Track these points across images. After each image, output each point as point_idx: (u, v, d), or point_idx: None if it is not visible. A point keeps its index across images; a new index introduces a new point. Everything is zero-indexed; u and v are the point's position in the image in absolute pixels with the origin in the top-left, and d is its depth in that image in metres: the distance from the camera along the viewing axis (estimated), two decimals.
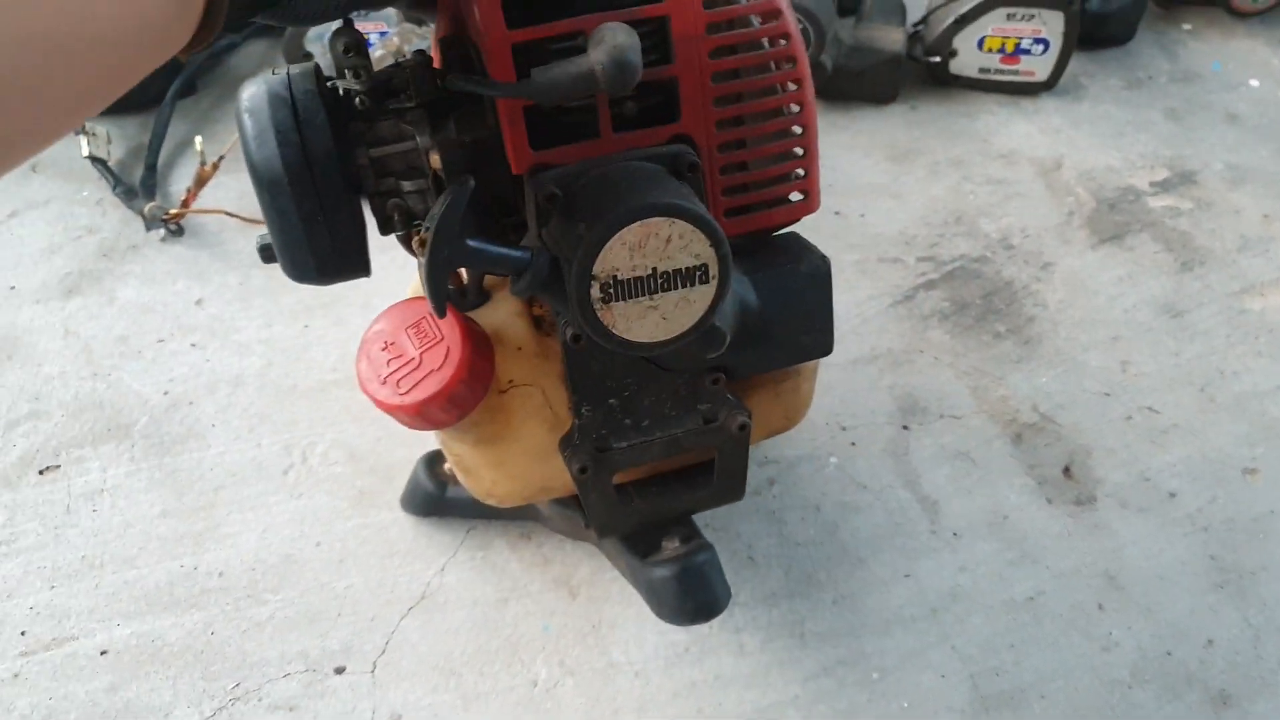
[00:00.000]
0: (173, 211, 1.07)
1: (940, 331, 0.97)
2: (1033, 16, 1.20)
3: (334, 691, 0.70)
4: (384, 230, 0.53)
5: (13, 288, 1.03)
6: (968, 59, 1.25)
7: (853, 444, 0.86)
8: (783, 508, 0.81)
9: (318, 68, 0.49)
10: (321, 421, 0.88)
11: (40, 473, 0.85)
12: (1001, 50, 1.24)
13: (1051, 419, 0.89)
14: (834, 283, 0.55)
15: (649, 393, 0.55)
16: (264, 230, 0.51)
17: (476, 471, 0.60)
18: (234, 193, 1.11)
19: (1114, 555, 0.79)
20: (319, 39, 1.19)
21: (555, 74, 0.41)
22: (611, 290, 0.43)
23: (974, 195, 1.13)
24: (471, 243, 0.43)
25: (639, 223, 0.41)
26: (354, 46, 0.48)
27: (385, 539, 0.79)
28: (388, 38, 1.09)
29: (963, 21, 1.22)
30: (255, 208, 1.08)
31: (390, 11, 1.17)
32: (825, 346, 0.56)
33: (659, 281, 0.43)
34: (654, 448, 0.56)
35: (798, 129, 0.51)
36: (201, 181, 1.06)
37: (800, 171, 0.52)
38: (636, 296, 0.43)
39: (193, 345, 0.96)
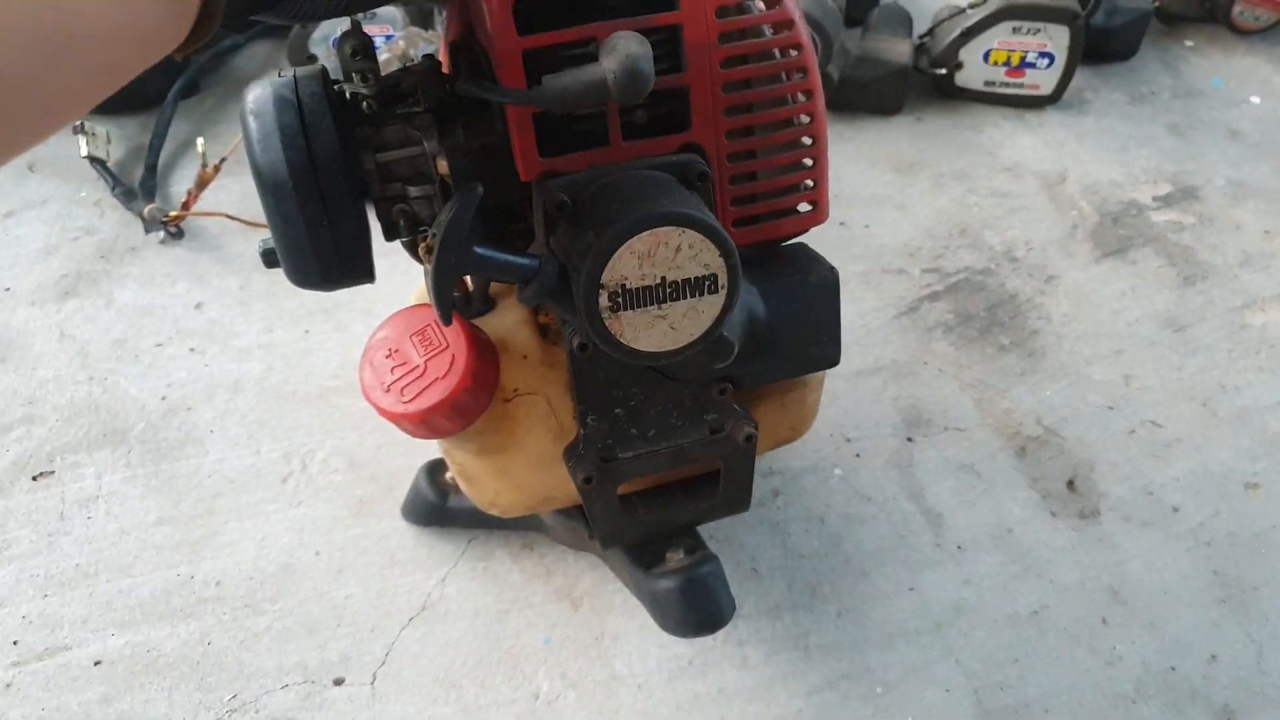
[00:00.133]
0: (173, 213, 1.06)
1: (944, 343, 0.96)
2: (1038, 31, 1.20)
3: (333, 703, 0.69)
4: (389, 236, 0.52)
5: (8, 289, 1.02)
6: (973, 72, 1.25)
7: (857, 455, 0.86)
8: (787, 519, 0.81)
9: (324, 70, 0.48)
10: (321, 429, 0.87)
11: (34, 478, 0.84)
12: (1007, 63, 1.24)
13: (1055, 432, 0.88)
14: (840, 308, 0.54)
15: (655, 402, 0.54)
16: (266, 234, 0.50)
17: (479, 481, 0.59)
18: (235, 195, 1.10)
19: (1117, 569, 0.78)
20: (324, 41, 1.19)
21: (566, 82, 0.40)
22: (620, 299, 0.42)
23: (978, 208, 1.13)
24: (479, 250, 0.42)
25: (648, 231, 0.41)
26: (362, 50, 0.47)
27: (385, 548, 0.78)
28: (393, 41, 1.09)
29: (969, 34, 1.22)
30: (257, 211, 1.07)
31: (396, 15, 1.16)
32: (833, 358, 0.56)
33: (668, 291, 0.43)
34: (660, 458, 0.56)
35: (808, 139, 0.51)
36: (203, 183, 1.05)
37: (809, 182, 0.52)
38: (645, 305, 0.43)
39: (191, 350, 0.95)
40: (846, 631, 0.74)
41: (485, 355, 0.53)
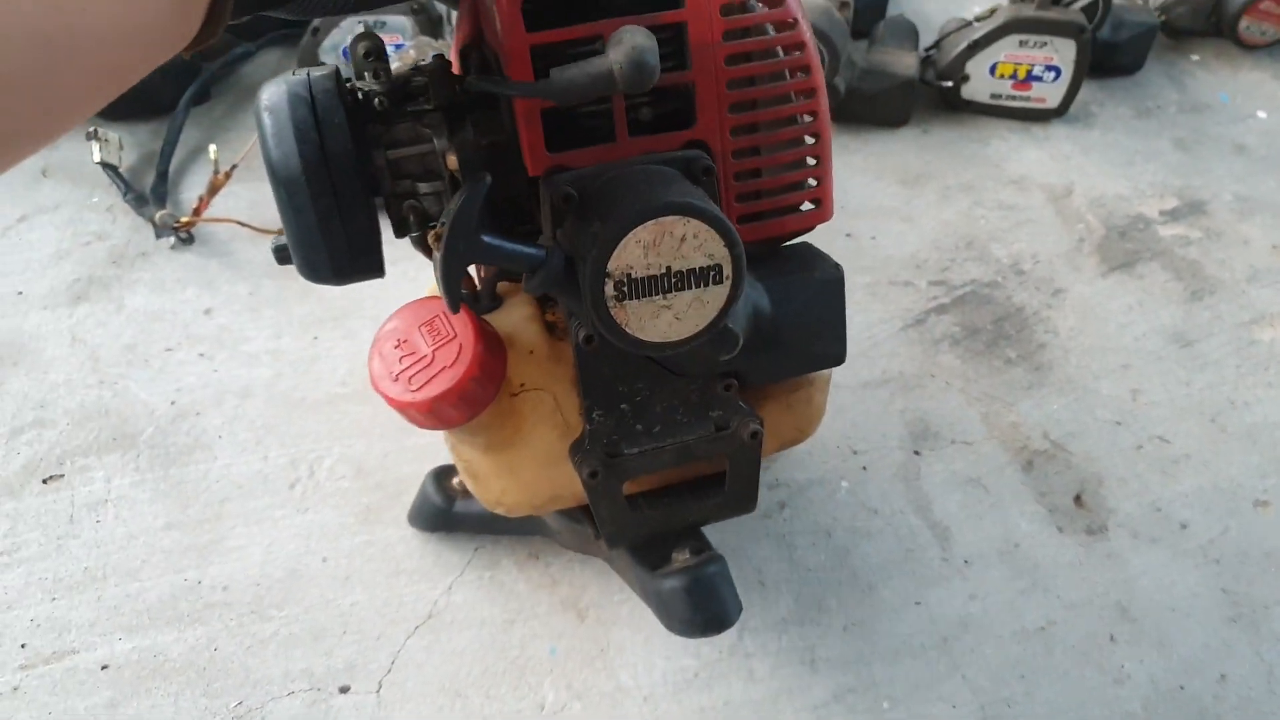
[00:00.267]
0: (184, 219, 1.06)
1: (951, 356, 0.96)
2: (1045, 44, 1.20)
3: (338, 711, 0.69)
4: (399, 232, 0.53)
5: (20, 293, 1.02)
6: (980, 84, 1.26)
7: (864, 468, 0.86)
8: (793, 532, 0.81)
9: (338, 71, 0.49)
10: (329, 435, 0.88)
11: (44, 481, 0.84)
12: (1013, 76, 1.24)
13: (1063, 447, 0.88)
14: (845, 305, 0.54)
15: (661, 398, 0.54)
16: (276, 236, 0.51)
17: (485, 478, 0.59)
18: (245, 202, 1.10)
19: (1126, 586, 0.78)
20: (334, 50, 1.19)
21: (573, 74, 0.41)
22: (625, 288, 0.43)
23: (985, 220, 1.13)
24: (487, 238, 0.43)
25: (654, 221, 0.42)
26: (374, 52, 0.48)
27: (392, 556, 0.79)
28: (404, 50, 1.10)
29: (975, 47, 1.22)
30: (266, 218, 1.08)
31: (406, 24, 1.17)
32: (838, 355, 0.56)
33: (673, 281, 0.43)
34: (665, 454, 0.56)
35: (811, 137, 0.52)
36: (214, 189, 1.06)
37: (813, 180, 0.53)
38: (650, 295, 0.44)
39: (201, 355, 0.95)
40: (853, 645, 0.74)
41: (493, 347, 0.53)
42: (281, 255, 0.52)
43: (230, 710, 0.69)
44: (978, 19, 1.25)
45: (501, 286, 0.58)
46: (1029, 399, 0.93)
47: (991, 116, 1.29)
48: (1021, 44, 1.21)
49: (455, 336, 0.52)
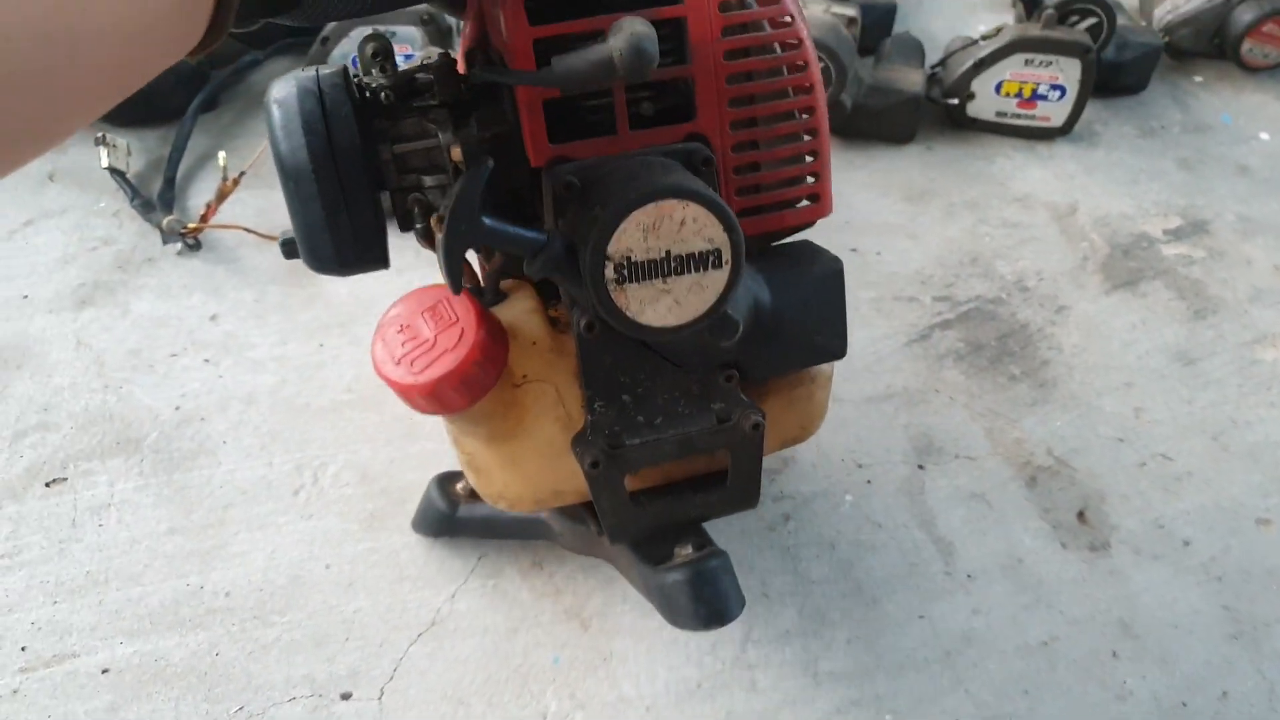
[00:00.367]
0: (191, 225, 1.07)
1: (955, 372, 0.97)
2: (1050, 63, 1.21)
3: (340, 718, 0.69)
4: (404, 226, 0.54)
5: (25, 297, 1.03)
6: (985, 102, 1.26)
7: (868, 482, 0.86)
8: (798, 544, 0.81)
9: (346, 69, 0.51)
10: (334, 442, 0.88)
11: (47, 485, 0.84)
12: (1019, 95, 1.25)
13: (1066, 463, 0.89)
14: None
15: (662, 390, 0.55)
16: (284, 232, 0.52)
17: (488, 471, 0.59)
18: (253, 209, 1.11)
19: (1128, 602, 0.78)
20: (343, 59, 1.20)
21: (573, 61, 0.42)
22: (625, 271, 0.44)
23: (990, 237, 1.14)
24: (488, 221, 0.44)
25: (653, 204, 0.43)
26: (382, 52, 0.50)
27: (396, 563, 0.78)
28: (412, 60, 1.10)
29: (981, 65, 1.23)
30: (274, 224, 1.08)
31: (415, 35, 1.18)
32: (839, 348, 0.57)
33: (672, 265, 0.44)
34: (667, 446, 0.56)
35: (809, 133, 0.53)
36: (222, 196, 1.06)
37: (812, 176, 0.54)
38: (650, 279, 0.44)
39: (206, 361, 0.96)
40: (856, 658, 0.74)
41: (495, 332, 0.53)
42: (289, 249, 0.53)
43: (231, 716, 0.69)
44: (984, 37, 1.26)
45: (505, 285, 0.59)
46: (1033, 415, 0.93)
47: (996, 134, 1.30)
48: (1027, 63, 1.22)
49: (458, 321, 0.52)
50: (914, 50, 1.32)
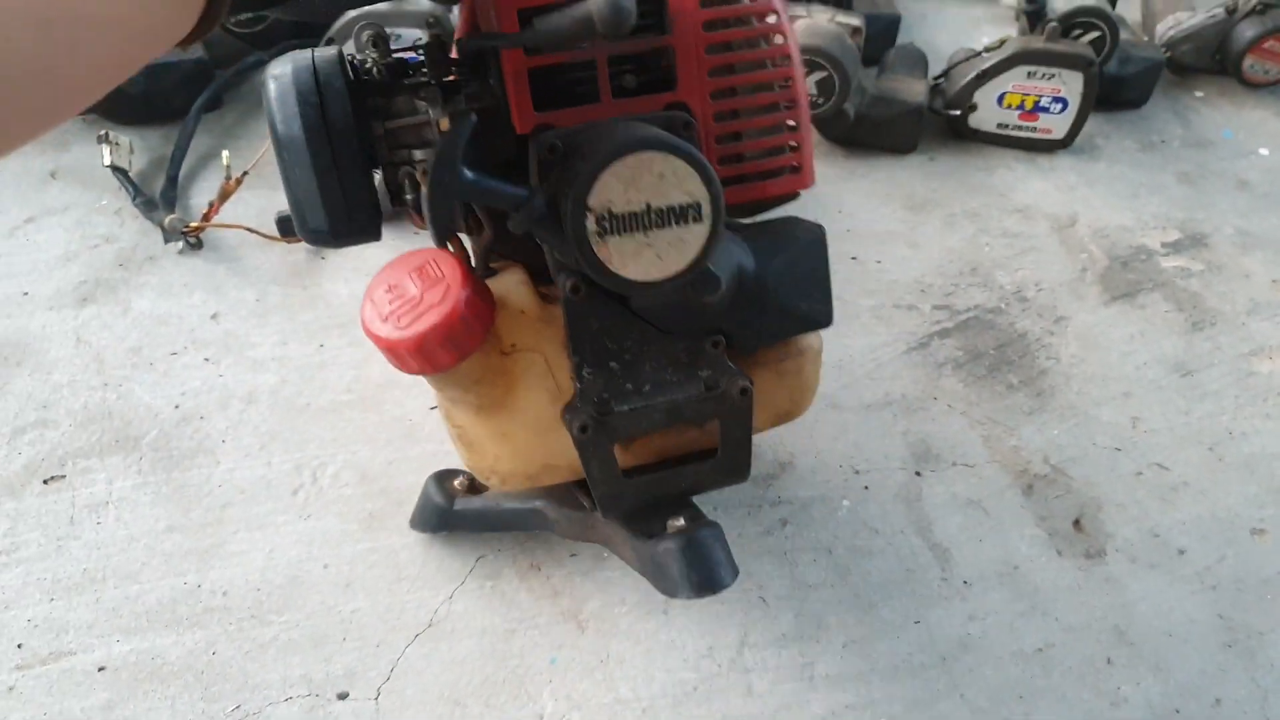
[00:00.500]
0: (193, 224, 1.07)
1: (954, 380, 0.97)
2: (1053, 76, 1.22)
3: (337, 718, 0.69)
4: (395, 200, 0.55)
5: (26, 294, 1.03)
6: (987, 114, 1.27)
7: (865, 488, 0.86)
8: (795, 549, 0.81)
9: (341, 51, 0.53)
10: (333, 442, 0.88)
11: (45, 482, 0.84)
12: (1021, 107, 1.26)
13: (1063, 471, 0.89)
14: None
15: (649, 356, 0.55)
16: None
17: (480, 444, 0.59)
18: (255, 209, 1.11)
19: (1123, 610, 0.78)
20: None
21: (555, 20, 0.43)
22: (606, 223, 0.45)
23: (990, 247, 1.15)
24: (470, 174, 0.45)
25: (632, 155, 0.44)
26: (378, 36, 0.53)
27: (394, 563, 0.78)
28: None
29: (984, 77, 1.24)
30: (276, 225, 1.07)
31: (421, 36, 1.18)
32: (825, 316, 0.57)
33: (653, 218, 0.45)
34: (655, 413, 0.56)
35: (788, 103, 0.54)
36: (225, 195, 1.06)
37: (792, 144, 0.55)
38: (631, 231, 0.45)
39: (206, 360, 0.96)
40: (852, 663, 0.74)
41: (480, 290, 0.54)
42: (284, 226, 0.54)
43: (227, 714, 0.69)
44: (987, 49, 1.27)
45: (496, 265, 0.60)
46: (1030, 424, 0.93)
47: (998, 146, 1.31)
48: (1029, 75, 1.23)
49: (444, 278, 0.53)
50: (917, 61, 1.33)
